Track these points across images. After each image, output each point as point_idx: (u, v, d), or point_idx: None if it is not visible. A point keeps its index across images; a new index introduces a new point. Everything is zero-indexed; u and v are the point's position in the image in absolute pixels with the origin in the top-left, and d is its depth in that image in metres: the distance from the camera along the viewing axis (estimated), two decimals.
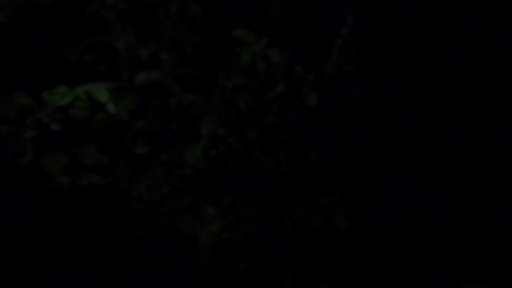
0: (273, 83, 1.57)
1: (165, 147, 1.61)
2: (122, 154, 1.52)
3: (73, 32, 1.43)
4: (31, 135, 1.08)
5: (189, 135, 1.58)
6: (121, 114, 1.29)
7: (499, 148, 1.79)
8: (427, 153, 1.66)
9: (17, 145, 1.11)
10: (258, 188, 1.60)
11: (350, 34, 1.90)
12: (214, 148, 1.35)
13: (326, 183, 1.60)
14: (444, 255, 1.55)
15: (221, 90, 1.46)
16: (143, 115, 1.60)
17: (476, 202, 1.68)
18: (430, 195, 1.59)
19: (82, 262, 1.29)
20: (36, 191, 1.32)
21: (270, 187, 1.66)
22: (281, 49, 1.62)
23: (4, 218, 1.41)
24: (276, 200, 1.65)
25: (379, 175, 1.68)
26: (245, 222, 1.37)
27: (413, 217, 1.56)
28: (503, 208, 1.71)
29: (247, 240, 1.37)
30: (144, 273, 1.34)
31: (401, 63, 2.51)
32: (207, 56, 1.91)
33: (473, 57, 2.14)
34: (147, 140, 1.53)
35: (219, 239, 1.33)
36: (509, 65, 1.97)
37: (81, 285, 1.36)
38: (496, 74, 1.97)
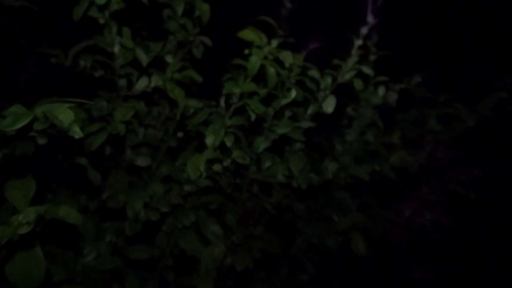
0: (285, 89, 1.36)
1: (167, 159, 1.43)
2: (123, 167, 1.34)
3: (69, 36, 1.25)
4: None
5: (194, 145, 1.39)
6: (117, 125, 1.11)
7: None
8: (454, 169, 1.45)
9: None
10: (267, 204, 1.40)
11: (370, 34, 1.68)
12: (220, 162, 1.16)
13: (343, 199, 1.40)
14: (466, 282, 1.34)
15: (227, 97, 1.26)
16: (144, 124, 1.41)
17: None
18: (455, 217, 1.38)
19: None
20: None
21: (281, 203, 1.46)
22: (295, 51, 1.41)
23: None
24: (287, 218, 1.45)
25: (403, 193, 1.47)
26: (252, 242, 1.18)
27: (437, 240, 1.35)
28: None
29: (254, 264, 1.17)
30: None
31: (423, 65, 2.27)
32: (214, 60, 1.71)
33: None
34: (148, 151, 1.35)
35: (223, 264, 1.15)
36: None
37: None
38: None
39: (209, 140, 1.24)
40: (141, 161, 1.34)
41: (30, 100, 1.41)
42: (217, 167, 1.17)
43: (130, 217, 1.11)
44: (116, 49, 1.19)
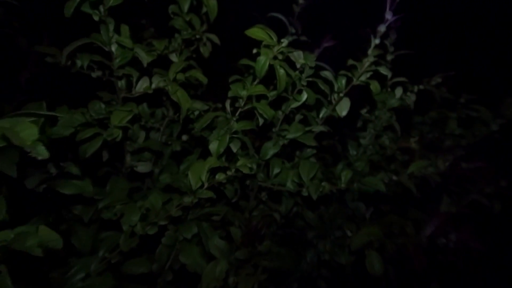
0: (296, 91, 1.24)
1: (171, 164, 1.31)
2: (123, 173, 1.23)
3: (66, 35, 1.14)
4: None
5: (200, 149, 1.27)
6: (112, 130, 0.99)
7: None
8: (477, 178, 1.30)
9: None
10: (276, 213, 1.28)
11: (388, 32, 1.54)
12: (224, 170, 1.04)
13: (357, 208, 1.28)
14: None
15: (233, 100, 1.14)
16: (147, 127, 1.30)
17: None
18: (478, 238, 1.25)
19: None
20: None
21: (291, 211, 1.34)
22: (307, 51, 1.28)
23: None
24: (297, 227, 1.33)
25: (421, 202, 1.34)
26: (258, 260, 1.06)
27: (460, 261, 1.22)
28: None
29: (261, 283, 1.06)
30: None
31: (443, 65, 2.12)
32: (222, 60, 1.59)
33: None
34: (150, 156, 1.24)
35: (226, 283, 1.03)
36: None
37: None
38: None
39: (213, 147, 1.12)
40: (142, 168, 1.23)
41: (30, 101, 1.29)
42: (220, 177, 1.05)
43: (126, 231, 0.99)
44: (114, 48, 1.08)
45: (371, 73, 1.35)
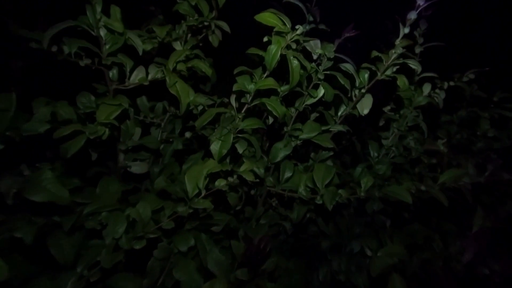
0: (311, 85, 1.05)
1: (172, 163, 1.14)
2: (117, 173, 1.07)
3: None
4: None
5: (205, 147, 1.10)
6: (96, 128, 0.82)
7: None
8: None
9: None
10: (286, 222, 1.10)
11: (418, 21, 1.33)
12: (226, 175, 0.87)
13: (379, 219, 1.09)
14: None
15: (239, 95, 0.96)
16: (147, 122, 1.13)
17: None
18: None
19: None
20: None
21: (303, 219, 1.15)
22: (325, 40, 1.09)
23: None
24: (309, 238, 1.15)
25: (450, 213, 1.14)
26: (262, 282, 0.89)
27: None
28: None
29: None
30: None
31: (475, 60, 1.90)
32: (232, 50, 1.41)
33: None
34: (148, 155, 1.07)
35: None
36: None
37: None
38: None
39: (215, 148, 0.94)
40: (137, 168, 1.06)
41: (23, 90, 1.11)
42: (220, 183, 0.87)
43: (109, 245, 0.83)
44: (102, 32, 0.90)
45: (397, 66, 1.15)
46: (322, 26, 1.36)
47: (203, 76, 1.43)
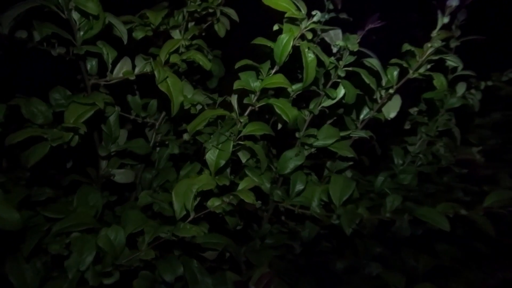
0: (329, 84, 0.84)
1: (168, 170, 0.95)
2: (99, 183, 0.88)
3: None
4: None
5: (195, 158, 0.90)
6: (62, 134, 0.63)
7: None
8: None
9: None
10: (296, 242, 0.90)
11: (456, 12, 1.10)
12: (222, 192, 0.67)
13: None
14: None
15: (242, 94, 0.76)
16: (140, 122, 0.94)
17: None
18: None
19: None
20: None
21: (315, 238, 0.95)
22: (347, 31, 0.87)
23: None
24: (319, 261, 0.95)
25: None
26: None
27: None
28: None
29: None
30: None
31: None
32: (241, 42, 1.19)
33: None
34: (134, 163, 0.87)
35: None
36: None
37: None
38: None
39: (210, 158, 0.75)
40: (121, 177, 0.87)
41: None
42: (214, 204, 0.67)
43: (72, 279, 0.64)
44: (76, 16, 0.70)
45: (432, 64, 0.93)
46: (343, 16, 1.14)
47: (209, 71, 1.23)
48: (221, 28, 1.12)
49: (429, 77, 0.91)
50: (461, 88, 1.19)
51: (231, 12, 1.08)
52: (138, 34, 0.89)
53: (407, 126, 1.25)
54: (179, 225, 0.67)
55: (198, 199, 0.69)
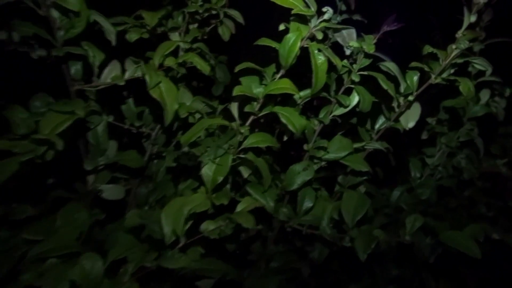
0: (342, 90, 0.73)
1: (166, 185, 0.84)
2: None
3: None
4: None
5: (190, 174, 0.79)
6: (35, 147, 0.53)
7: None
8: None
9: None
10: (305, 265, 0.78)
11: (482, 13, 0.98)
12: (218, 212, 0.56)
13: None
14: None
15: (243, 102, 0.65)
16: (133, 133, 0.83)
17: None
18: None
19: None
20: None
21: (326, 260, 0.83)
22: (360, 35, 0.76)
23: None
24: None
25: None
26: None
27: None
28: None
29: None
30: None
31: None
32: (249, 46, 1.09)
33: None
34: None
35: None
36: None
37: None
38: None
39: (207, 173, 0.64)
40: (110, 193, 0.76)
41: None
42: (208, 227, 0.56)
43: None
44: (55, 13, 0.60)
45: (456, 68, 0.81)
46: (357, 17, 1.03)
47: (215, 78, 1.13)
48: (225, 31, 1.01)
49: (453, 83, 0.79)
50: (485, 95, 1.07)
51: (236, 14, 0.98)
52: (132, 36, 0.79)
53: (424, 136, 1.13)
54: (167, 254, 0.56)
55: (190, 222, 0.58)
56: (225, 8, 0.96)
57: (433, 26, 1.47)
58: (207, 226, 0.59)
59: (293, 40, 0.65)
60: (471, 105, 1.05)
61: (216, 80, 1.15)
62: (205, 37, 0.97)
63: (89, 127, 0.71)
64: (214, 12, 0.95)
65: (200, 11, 0.91)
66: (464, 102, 1.02)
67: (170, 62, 0.73)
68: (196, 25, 0.96)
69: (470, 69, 1.04)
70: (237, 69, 0.66)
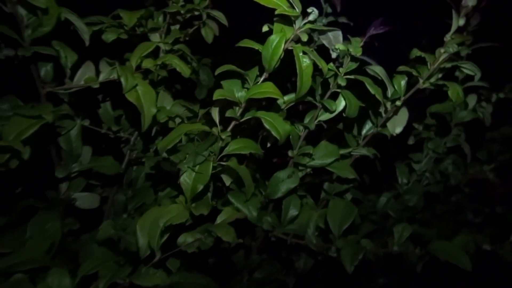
0: (328, 94, 0.69)
1: (142, 191, 0.80)
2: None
3: None
4: None
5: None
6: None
7: None
8: None
9: None
10: (289, 280, 0.75)
11: (469, 17, 0.95)
12: (196, 223, 0.52)
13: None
14: None
15: (225, 105, 0.61)
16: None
17: None
18: None
19: None
20: None
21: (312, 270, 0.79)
22: (345, 39, 0.73)
23: None
24: None
25: None
26: None
27: None
28: None
29: None
30: None
31: None
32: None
33: None
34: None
35: None
36: None
37: None
38: None
39: (186, 181, 0.60)
40: (84, 202, 0.71)
41: None
42: (185, 241, 0.52)
43: None
44: (22, 10, 0.55)
45: (443, 72, 0.78)
46: (343, 20, 1.00)
47: (199, 81, 1.09)
48: (208, 33, 0.97)
49: (441, 88, 0.76)
50: (471, 101, 1.04)
51: (220, 16, 0.94)
52: (109, 37, 0.74)
53: (410, 142, 1.10)
54: (140, 269, 0.52)
55: (166, 235, 0.54)
56: (208, 9, 0.92)
57: (419, 30, 1.45)
58: (185, 239, 0.54)
59: (277, 41, 0.61)
60: (458, 110, 1.03)
61: (199, 83, 1.11)
62: (187, 38, 0.93)
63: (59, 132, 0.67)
64: (196, 13, 0.91)
65: (182, 11, 0.87)
66: (451, 107, 1.00)
67: (148, 64, 0.69)
68: (177, 26, 0.92)
69: (457, 73, 1.02)
70: (217, 71, 0.62)
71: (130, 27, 0.78)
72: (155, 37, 0.87)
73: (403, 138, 1.10)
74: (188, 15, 0.90)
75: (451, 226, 1.08)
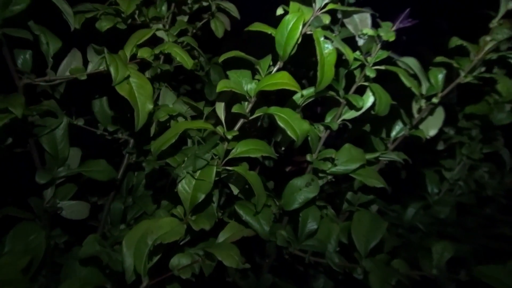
0: (353, 89, 0.57)
1: (142, 199, 0.69)
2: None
3: None
4: None
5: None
6: None
7: None
8: None
9: None
10: None
11: None
12: (194, 239, 0.39)
13: None
14: None
15: (232, 100, 0.49)
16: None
17: None
18: None
19: None
20: None
21: None
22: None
23: None
24: None
25: None
26: None
27: None
28: None
29: None
30: None
31: None
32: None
33: None
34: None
35: None
36: None
37: None
38: None
39: (183, 190, 0.48)
40: (71, 211, 0.60)
41: None
42: (179, 263, 0.40)
43: None
44: None
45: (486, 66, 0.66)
46: (367, 10, 0.87)
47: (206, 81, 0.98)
48: (218, 27, 0.86)
49: (489, 81, 0.63)
50: None
51: (231, 7, 0.83)
52: (104, 25, 0.64)
53: (440, 147, 0.97)
54: None
55: (157, 257, 0.42)
56: (218, 0, 0.81)
57: (444, 32, 1.32)
58: (179, 262, 0.43)
59: (293, 23, 0.49)
60: (496, 112, 0.90)
61: (210, 83, 1.00)
62: (195, 31, 0.82)
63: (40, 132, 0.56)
64: (205, 3, 0.80)
65: (188, 1, 0.77)
66: (488, 108, 0.86)
67: (144, 53, 0.58)
68: (184, 17, 0.82)
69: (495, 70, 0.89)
70: (222, 58, 0.50)
71: (128, 14, 0.68)
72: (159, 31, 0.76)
73: (427, 142, 0.97)
74: (196, 6, 0.80)
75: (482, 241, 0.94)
